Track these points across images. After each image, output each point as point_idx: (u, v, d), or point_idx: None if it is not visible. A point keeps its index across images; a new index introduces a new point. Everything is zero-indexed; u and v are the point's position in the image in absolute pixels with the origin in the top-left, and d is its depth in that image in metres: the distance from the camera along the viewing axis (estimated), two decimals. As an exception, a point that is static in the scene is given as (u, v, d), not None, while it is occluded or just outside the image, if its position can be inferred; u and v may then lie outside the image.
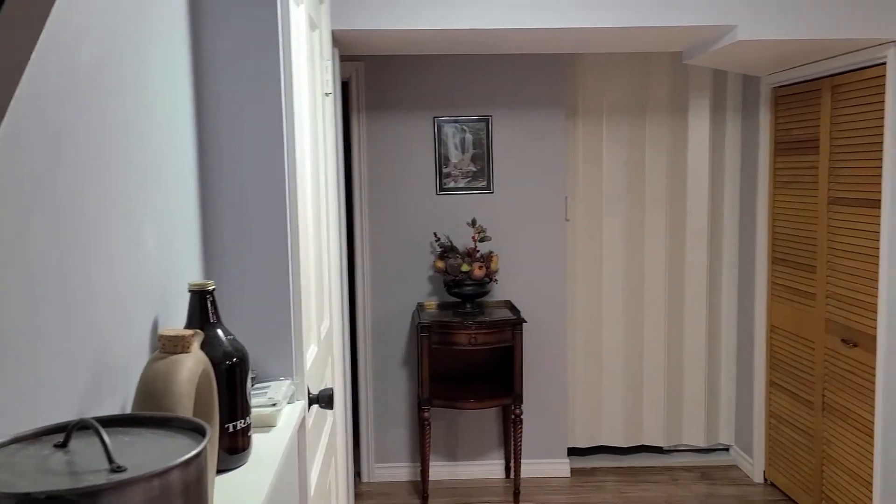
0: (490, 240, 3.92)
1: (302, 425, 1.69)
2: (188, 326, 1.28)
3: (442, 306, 3.96)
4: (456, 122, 3.98)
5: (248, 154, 1.59)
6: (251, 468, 1.31)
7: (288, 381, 1.63)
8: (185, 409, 0.95)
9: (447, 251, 3.86)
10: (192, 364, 1.01)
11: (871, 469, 3.05)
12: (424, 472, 3.76)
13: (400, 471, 4.08)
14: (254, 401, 1.48)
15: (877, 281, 2.99)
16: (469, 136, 3.99)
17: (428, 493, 3.78)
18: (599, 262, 4.21)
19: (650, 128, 4.16)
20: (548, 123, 3.98)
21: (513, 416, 3.71)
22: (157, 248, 1.28)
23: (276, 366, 1.65)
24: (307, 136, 2.03)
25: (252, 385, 1.60)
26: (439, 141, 3.98)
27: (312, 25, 2.26)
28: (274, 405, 1.50)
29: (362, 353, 4.04)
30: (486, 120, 3.97)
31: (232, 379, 1.27)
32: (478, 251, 3.83)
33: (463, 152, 4.00)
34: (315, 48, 2.34)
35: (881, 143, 2.95)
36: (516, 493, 3.76)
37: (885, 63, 2.91)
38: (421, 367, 3.66)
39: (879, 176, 2.97)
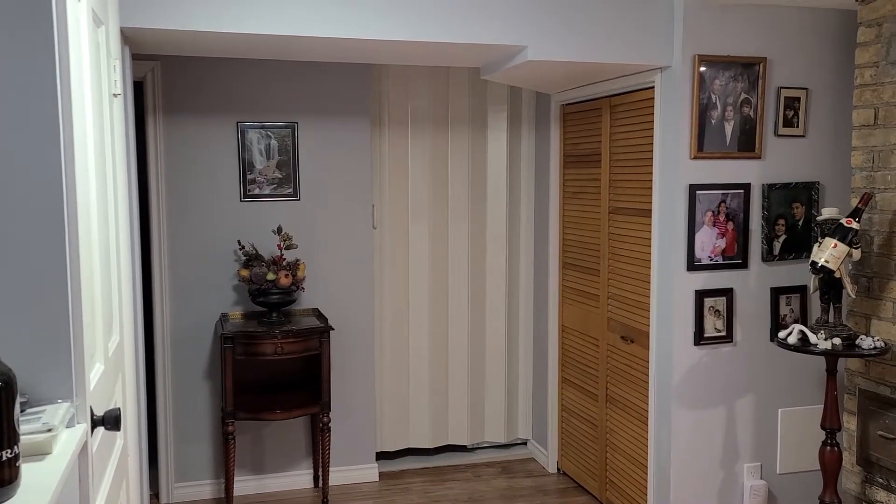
0: (297, 247, 3.88)
1: (84, 450, 1.58)
2: (-58, 350, 1.16)
3: (247, 316, 3.86)
4: (261, 127, 3.90)
5: (18, 160, 1.46)
6: (21, 500, 1.21)
7: (66, 404, 1.52)
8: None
9: (252, 259, 3.77)
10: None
11: (646, 452, 3.39)
12: (229, 487, 3.64)
13: (203, 488, 3.91)
14: (25, 427, 1.36)
15: (649, 283, 3.33)
16: (274, 143, 3.92)
17: (233, 510, 3.67)
18: (406, 268, 4.31)
19: (453, 139, 4.33)
20: (354, 132, 4.01)
21: (321, 425, 3.69)
22: None
23: (54, 388, 1.53)
24: (91, 140, 1.90)
25: (23, 410, 1.48)
26: (243, 146, 3.88)
27: (98, 21, 2.12)
28: (49, 430, 1.39)
29: (161, 367, 3.83)
30: (292, 126, 3.93)
31: (-5, 405, 1.17)
32: (284, 259, 3.77)
33: (268, 158, 3.92)
34: (101, 46, 2.20)
35: (651, 157, 3.30)
36: (324, 502, 3.74)
37: (653, 87, 3.25)
38: (225, 380, 3.54)
39: (650, 188, 3.32)
